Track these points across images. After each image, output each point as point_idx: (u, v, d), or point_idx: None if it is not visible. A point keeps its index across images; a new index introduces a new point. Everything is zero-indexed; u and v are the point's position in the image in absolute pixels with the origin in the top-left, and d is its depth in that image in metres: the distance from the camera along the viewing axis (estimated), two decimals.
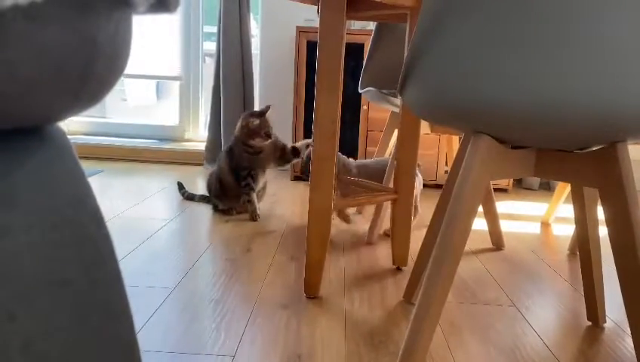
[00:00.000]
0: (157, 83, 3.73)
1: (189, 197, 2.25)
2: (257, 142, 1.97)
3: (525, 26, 0.72)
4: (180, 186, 2.30)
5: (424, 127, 1.75)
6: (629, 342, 1.11)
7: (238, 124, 2.02)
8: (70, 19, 0.24)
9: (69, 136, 0.35)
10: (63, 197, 0.29)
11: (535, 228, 2.09)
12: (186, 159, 3.22)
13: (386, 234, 1.86)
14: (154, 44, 3.35)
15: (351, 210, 2.22)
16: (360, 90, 2.04)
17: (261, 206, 2.14)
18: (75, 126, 3.48)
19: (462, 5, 0.79)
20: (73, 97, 0.29)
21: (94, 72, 0.29)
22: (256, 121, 1.96)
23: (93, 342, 0.29)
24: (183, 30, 3.32)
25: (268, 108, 2.00)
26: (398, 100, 1.74)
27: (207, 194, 2.12)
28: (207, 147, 3.10)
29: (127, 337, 0.33)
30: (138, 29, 3.33)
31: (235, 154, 2.01)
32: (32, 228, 0.26)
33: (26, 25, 0.22)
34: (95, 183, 2.48)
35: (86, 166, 2.92)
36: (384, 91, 1.81)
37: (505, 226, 2.09)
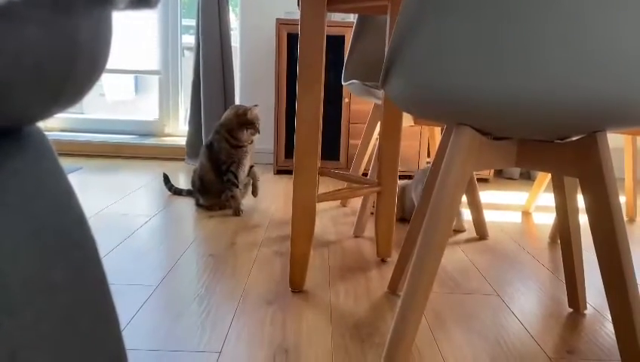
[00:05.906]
0: (135, 77, 3.67)
1: (177, 191, 2.22)
2: (245, 135, 1.95)
3: (505, 19, 0.72)
4: (166, 179, 2.25)
5: (408, 119, 1.76)
6: (610, 327, 1.14)
7: (228, 113, 1.99)
8: (49, 19, 0.24)
9: (46, 133, 0.34)
10: (45, 201, 0.28)
11: (516, 218, 2.12)
12: (166, 154, 3.18)
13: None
14: (132, 38, 3.30)
15: (335, 203, 2.22)
16: (343, 83, 2.03)
17: (244, 201, 2.13)
18: (52, 122, 3.42)
19: None
20: (53, 97, 0.28)
21: (74, 71, 0.28)
22: (256, 110, 1.95)
23: (79, 348, 0.28)
24: (162, 24, 3.27)
25: (256, 106, 1.99)
26: (381, 92, 1.74)
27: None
28: (187, 142, 3.07)
29: (113, 341, 0.33)
30: (116, 24, 3.27)
31: (214, 148, 1.99)
32: (16, 234, 0.26)
33: (2, 25, 0.21)
34: (74, 180, 2.44)
35: (64, 163, 2.87)
36: (368, 84, 1.81)
37: (486, 216, 2.11)
